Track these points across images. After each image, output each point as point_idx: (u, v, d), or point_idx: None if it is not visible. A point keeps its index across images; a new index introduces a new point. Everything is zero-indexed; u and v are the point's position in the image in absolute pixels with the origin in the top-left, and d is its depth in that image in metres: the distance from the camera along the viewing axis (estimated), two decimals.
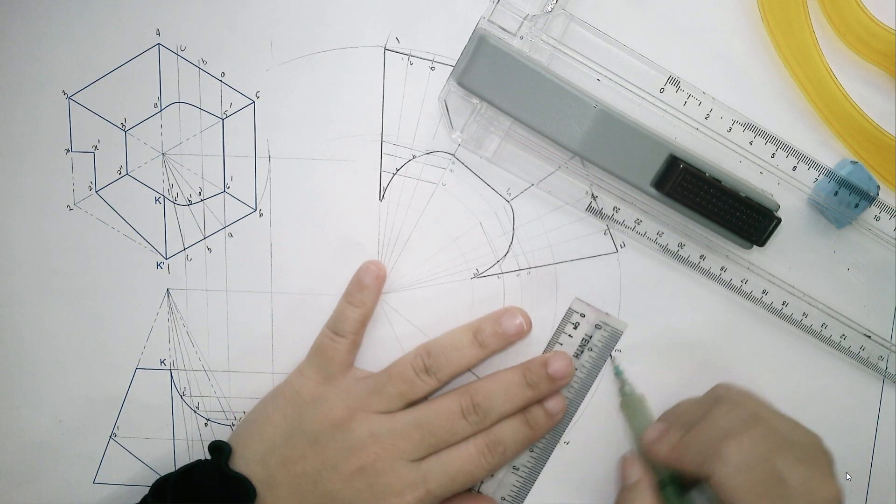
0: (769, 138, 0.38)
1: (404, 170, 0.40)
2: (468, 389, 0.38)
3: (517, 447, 0.39)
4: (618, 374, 0.41)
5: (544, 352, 0.41)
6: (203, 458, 0.40)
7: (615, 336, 0.41)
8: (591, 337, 0.41)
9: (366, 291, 0.40)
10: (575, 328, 0.41)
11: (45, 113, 0.40)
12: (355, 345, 0.40)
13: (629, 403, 0.41)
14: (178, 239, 0.41)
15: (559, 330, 0.41)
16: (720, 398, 0.37)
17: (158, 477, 0.40)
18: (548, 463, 0.42)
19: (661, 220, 0.39)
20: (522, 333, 0.39)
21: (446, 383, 0.39)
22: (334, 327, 0.40)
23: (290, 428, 0.38)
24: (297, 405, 0.39)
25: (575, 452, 0.42)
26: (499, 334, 0.39)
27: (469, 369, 0.40)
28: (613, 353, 0.41)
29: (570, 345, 0.41)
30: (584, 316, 0.40)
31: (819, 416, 0.41)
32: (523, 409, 0.39)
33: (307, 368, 0.40)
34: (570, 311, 0.41)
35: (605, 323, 0.40)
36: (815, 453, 0.35)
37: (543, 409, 0.39)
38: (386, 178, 0.40)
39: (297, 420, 0.38)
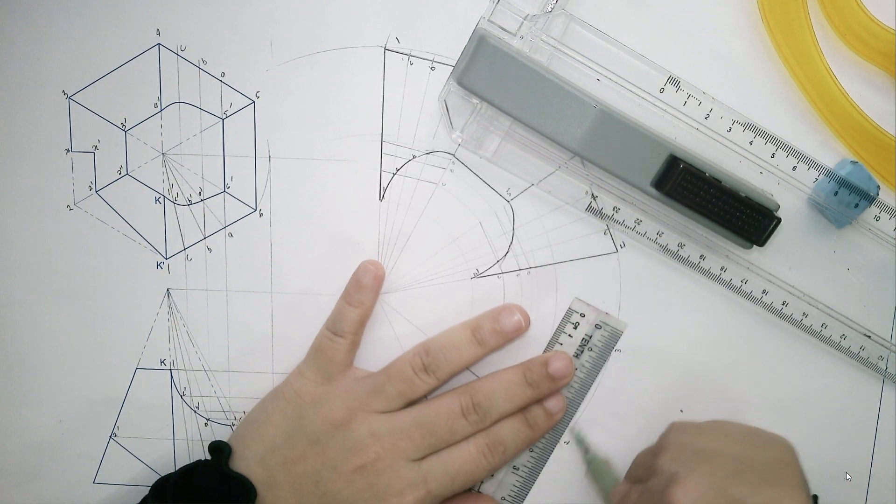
0: (769, 138, 0.38)
1: (404, 170, 0.40)
2: (468, 389, 0.38)
3: (517, 447, 0.39)
4: (580, 442, 0.41)
5: (544, 351, 0.41)
6: (203, 459, 0.40)
7: (615, 336, 0.41)
8: (591, 337, 0.41)
9: (364, 291, 0.39)
10: (575, 328, 0.41)
11: (45, 113, 0.40)
12: (354, 345, 0.40)
13: (595, 468, 0.41)
14: (178, 239, 0.41)
15: (559, 330, 0.41)
16: (663, 446, 0.37)
17: (159, 477, 0.40)
18: (548, 463, 0.42)
19: (661, 220, 0.39)
20: (521, 330, 0.39)
21: (445, 382, 0.39)
22: (333, 327, 0.40)
23: (290, 428, 0.39)
24: (298, 405, 0.39)
25: (575, 452, 0.42)
26: (497, 332, 0.39)
27: (468, 367, 0.40)
28: (574, 423, 0.41)
29: (570, 345, 0.41)
30: (584, 316, 0.40)
31: (819, 416, 0.41)
32: (523, 408, 0.39)
33: (306, 369, 0.40)
34: (570, 311, 0.41)
35: (605, 323, 0.40)
36: (777, 469, 0.34)
37: (543, 409, 0.39)
38: (386, 178, 0.40)
39: (298, 420, 0.38)
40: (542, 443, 0.41)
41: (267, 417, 0.39)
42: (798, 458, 0.35)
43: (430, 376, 0.38)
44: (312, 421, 0.38)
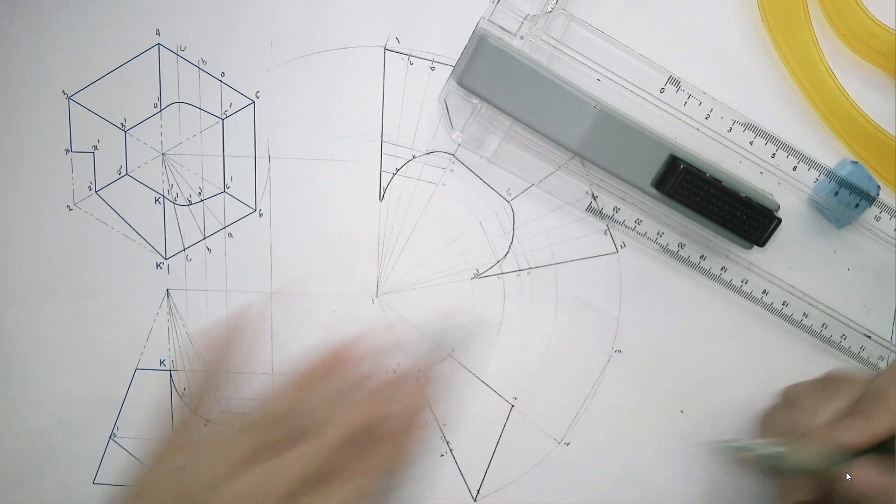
0: (769, 138, 0.38)
1: (404, 170, 0.40)
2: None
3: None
4: (728, 450, 0.37)
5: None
6: None
7: (472, 340, 0.41)
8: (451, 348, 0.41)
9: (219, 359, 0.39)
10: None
11: (45, 113, 0.40)
12: (204, 410, 0.38)
13: (759, 454, 0.35)
14: (177, 239, 0.41)
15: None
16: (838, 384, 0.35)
17: None
18: (546, 464, 0.42)
19: (661, 220, 0.39)
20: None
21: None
22: (193, 404, 0.38)
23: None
24: (178, 478, 0.34)
25: (575, 452, 0.42)
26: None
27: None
28: (715, 442, 0.40)
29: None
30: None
31: None
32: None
33: (171, 449, 0.36)
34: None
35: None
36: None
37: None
38: (386, 178, 0.40)
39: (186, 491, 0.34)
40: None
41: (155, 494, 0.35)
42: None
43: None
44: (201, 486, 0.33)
